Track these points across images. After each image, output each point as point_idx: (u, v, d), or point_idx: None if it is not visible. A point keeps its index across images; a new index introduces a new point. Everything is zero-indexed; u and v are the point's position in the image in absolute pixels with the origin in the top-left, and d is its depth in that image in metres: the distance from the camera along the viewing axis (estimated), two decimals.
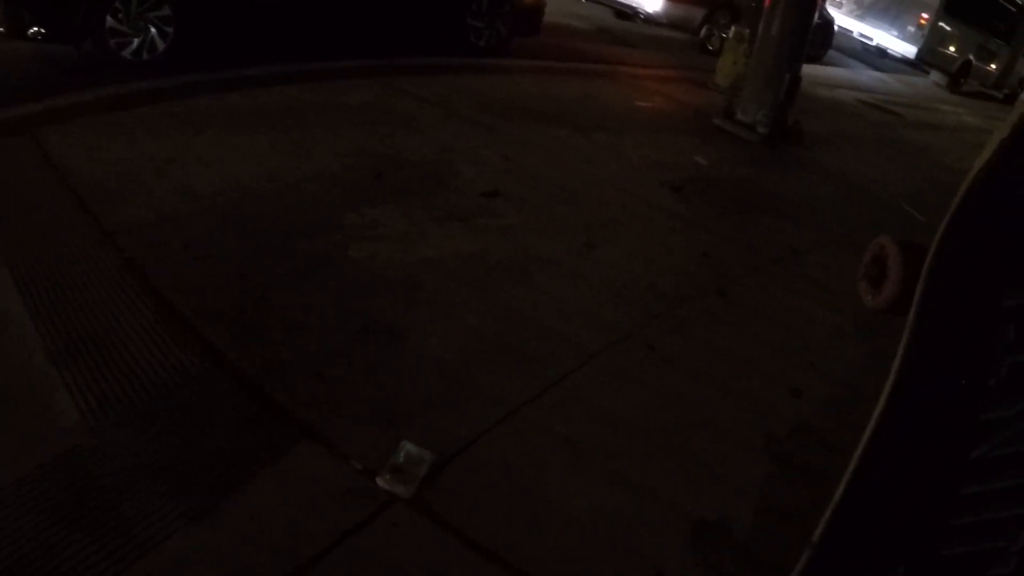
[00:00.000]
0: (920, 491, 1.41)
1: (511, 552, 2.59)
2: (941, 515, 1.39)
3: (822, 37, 15.18)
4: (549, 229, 4.87)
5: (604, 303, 4.17)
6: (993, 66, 19.07)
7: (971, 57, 18.26)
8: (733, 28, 10.45)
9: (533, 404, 3.26)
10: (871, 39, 18.50)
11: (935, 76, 18.50)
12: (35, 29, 6.28)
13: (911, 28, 17.61)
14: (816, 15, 9.14)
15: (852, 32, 18.42)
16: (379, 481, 2.70)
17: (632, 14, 13.33)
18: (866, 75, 16.42)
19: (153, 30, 6.69)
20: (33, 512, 2.48)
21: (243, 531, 2.51)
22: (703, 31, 13.21)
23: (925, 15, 17.52)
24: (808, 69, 9.61)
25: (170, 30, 6.75)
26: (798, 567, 1.52)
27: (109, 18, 6.47)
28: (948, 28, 17.65)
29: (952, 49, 17.97)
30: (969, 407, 1.37)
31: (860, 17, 18.07)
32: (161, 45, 6.77)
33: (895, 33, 18.04)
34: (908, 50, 18.01)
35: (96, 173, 4.63)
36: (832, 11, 17.12)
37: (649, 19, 13.01)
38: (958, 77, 18.21)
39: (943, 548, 1.38)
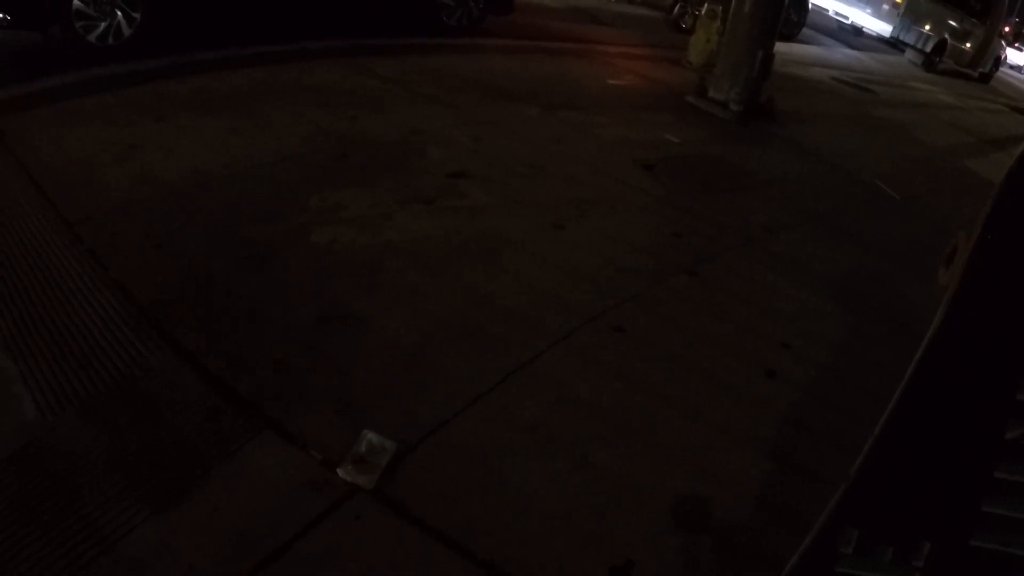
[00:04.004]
0: (947, 464, 1.40)
1: (477, 542, 2.54)
2: (971, 496, 1.36)
3: (796, 15, 15.14)
4: (517, 209, 4.81)
5: (573, 284, 4.11)
6: (968, 45, 19.12)
7: (946, 36, 18.29)
8: (706, 5, 10.38)
9: (499, 389, 3.20)
10: (847, 17, 18.49)
11: (910, 55, 18.52)
12: (0, 15, 6.14)
13: (886, 7, 17.60)
14: None
15: (827, 10, 18.41)
16: (340, 472, 2.64)
17: None
18: (841, 53, 16.39)
19: (120, 14, 6.57)
20: None
21: (205, 525, 2.46)
22: (676, 9, 13.15)
23: None
24: (782, 47, 9.58)
25: (137, 15, 6.63)
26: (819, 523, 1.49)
27: (76, 1, 6.34)
28: (923, 7, 17.66)
29: (927, 28, 17.99)
30: (1004, 384, 1.36)
31: None
32: (128, 30, 6.64)
33: (870, 11, 18.03)
34: (884, 28, 18.03)
35: (58, 161, 4.53)
36: None
37: None
38: (933, 56, 18.24)
39: (971, 536, 1.36)
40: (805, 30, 16.19)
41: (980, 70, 20.28)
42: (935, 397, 1.42)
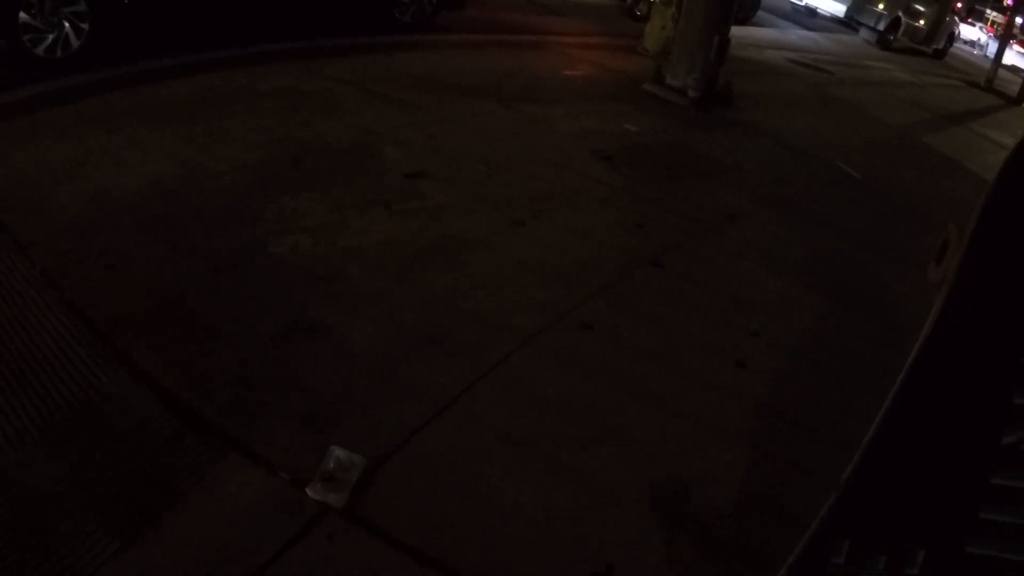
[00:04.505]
0: (942, 470, 1.35)
1: (453, 556, 2.49)
2: (967, 503, 1.32)
3: None
4: (477, 208, 4.75)
5: (538, 283, 4.07)
6: (921, 22, 19.33)
7: (900, 14, 18.48)
8: None
9: (468, 395, 3.14)
10: None
11: (865, 34, 18.70)
12: None
13: None
14: None
15: None
16: (309, 491, 2.58)
17: None
18: (796, 35, 16.50)
19: (67, 26, 6.42)
20: None
21: (176, 556, 2.39)
22: None
23: None
24: (737, 30, 9.60)
25: (85, 26, 6.49)
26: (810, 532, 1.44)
27: (23, 14, 6.19)
28: None
29: (881, 6, 18.16)
30: (1000, 388, 1.31)
31: None
32: (76, 41, 6.49)
33: None
34: (838, 9, 18.18)
35: (7, 181, 4.40)
36: None
37: None
38: (887, 34, 18.42)
39: (968, 544, 1.31)
40: (760, 13, 16.27)
41: (935, 47, 20.54)
42: (929, 400, 1.37)
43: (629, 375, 3.53)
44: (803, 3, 18.80)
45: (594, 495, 2.84)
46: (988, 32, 32.80)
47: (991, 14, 34.26)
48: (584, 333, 3.74)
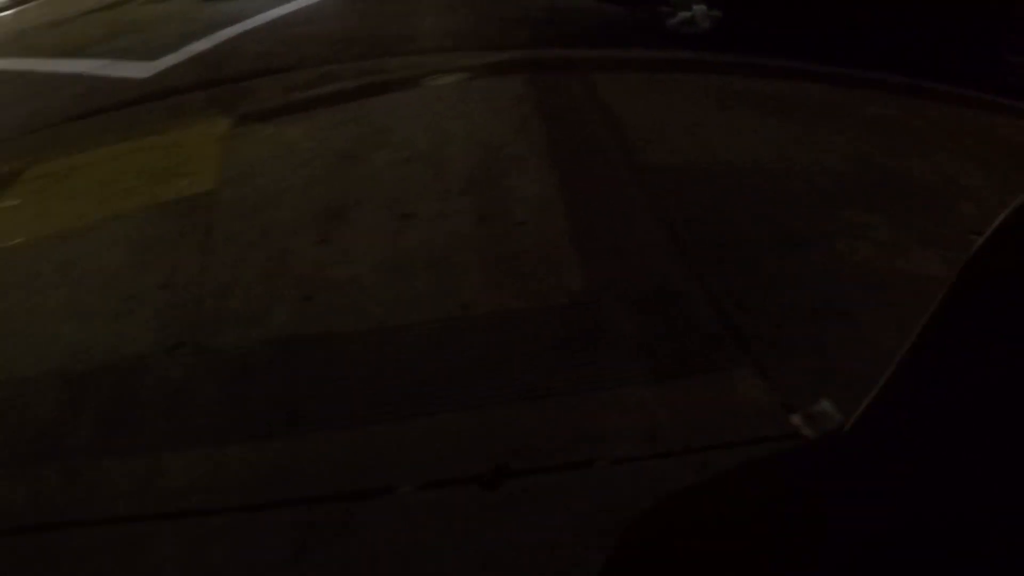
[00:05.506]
0: None
1: None
2: None
3: None
4: None
5: None
6: None
7: None
8: None
9: None
10: None
11: None
12: None
13: None
14: None
15: None
16: (792, 418, 3.25)
17: None
18: None
19: (699, 9, 7.57)
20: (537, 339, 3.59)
21: (676, 405, 3.32)
22: None
23: None
24: None
25: (716, 12, 7.56)
26: None
27: None
28: None
29: None
30: None
31: None
32: (704, 24, 7.61)
33: None
34: None
35: (632, 118, 5.60)
36: None
37: None
38: None
39: None
40: None
41: None
42: None
43: None
44: None
45: None
46: None
47: None
48: None
